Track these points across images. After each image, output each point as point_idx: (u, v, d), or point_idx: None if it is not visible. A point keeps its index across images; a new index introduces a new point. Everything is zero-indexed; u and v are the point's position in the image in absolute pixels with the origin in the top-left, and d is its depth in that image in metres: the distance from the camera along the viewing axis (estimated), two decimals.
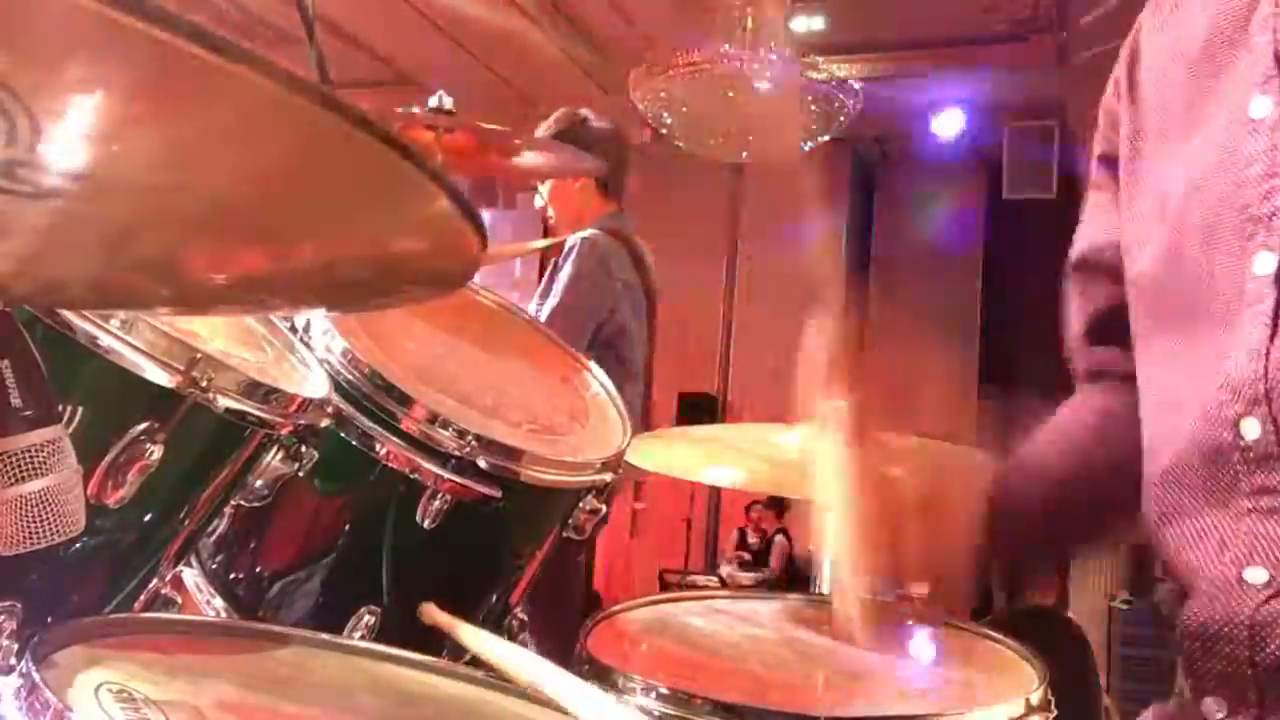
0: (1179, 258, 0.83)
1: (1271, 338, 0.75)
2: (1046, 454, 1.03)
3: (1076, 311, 1.04)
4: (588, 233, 2.91)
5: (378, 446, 1.22)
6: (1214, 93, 0.84)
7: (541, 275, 3.08)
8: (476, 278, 0.97)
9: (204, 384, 0.94)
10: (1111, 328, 0.97)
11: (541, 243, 3.40)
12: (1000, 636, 1.31)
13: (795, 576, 8.19)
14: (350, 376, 1.24)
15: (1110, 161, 0.98)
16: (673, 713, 1.07)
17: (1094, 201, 1.01)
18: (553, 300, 2.81)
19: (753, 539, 9.01)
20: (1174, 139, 0.88)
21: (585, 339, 2.75)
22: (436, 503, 1.22)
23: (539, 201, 3.15)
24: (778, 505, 8.81)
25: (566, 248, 2.90)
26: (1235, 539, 0.76)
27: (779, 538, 8.76)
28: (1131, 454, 0.91)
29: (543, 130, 2.97)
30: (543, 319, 2.64)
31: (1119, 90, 0.97)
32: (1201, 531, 0.79)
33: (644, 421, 3.04)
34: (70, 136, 0.44)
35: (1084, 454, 1.01)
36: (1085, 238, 1.02)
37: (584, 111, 3.05)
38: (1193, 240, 0.82)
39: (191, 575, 1.24)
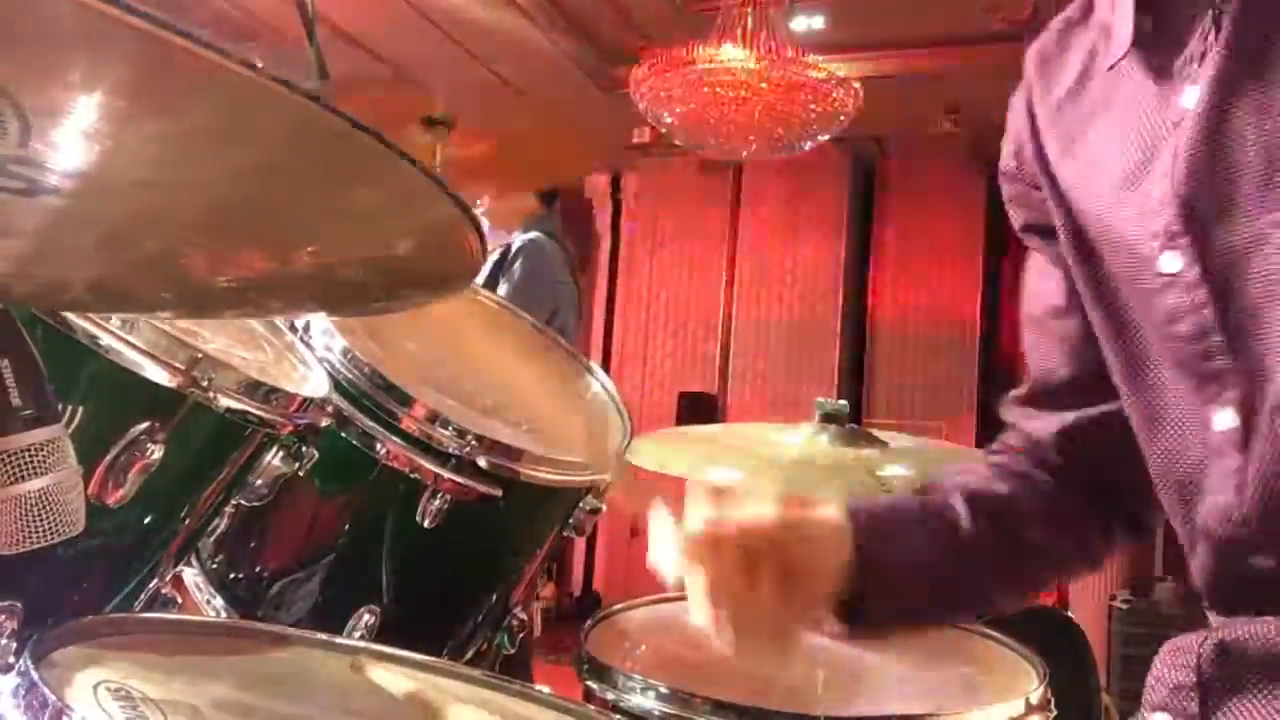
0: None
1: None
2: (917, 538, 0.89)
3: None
4: (532, 235, 3.02)
5: (378, 446, 1.22)
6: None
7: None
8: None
9: (204, 383, 0.94)
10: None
11: None
12: (1000, 636, 1.31)
13: None
14: (350, 376, 1.24)
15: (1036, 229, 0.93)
16: (673, 713, 1.07)
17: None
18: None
19: None
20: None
21: None
22: (436, 502, 1.22)
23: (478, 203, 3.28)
24: None
25: (514, 250, 2.99)
26: None
27: None
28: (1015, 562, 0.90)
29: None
30: None
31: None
32: None
33: None
34: (66, 134, 0.44)
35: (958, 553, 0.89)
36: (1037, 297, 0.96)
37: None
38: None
39: (191, 575, 1.24)
